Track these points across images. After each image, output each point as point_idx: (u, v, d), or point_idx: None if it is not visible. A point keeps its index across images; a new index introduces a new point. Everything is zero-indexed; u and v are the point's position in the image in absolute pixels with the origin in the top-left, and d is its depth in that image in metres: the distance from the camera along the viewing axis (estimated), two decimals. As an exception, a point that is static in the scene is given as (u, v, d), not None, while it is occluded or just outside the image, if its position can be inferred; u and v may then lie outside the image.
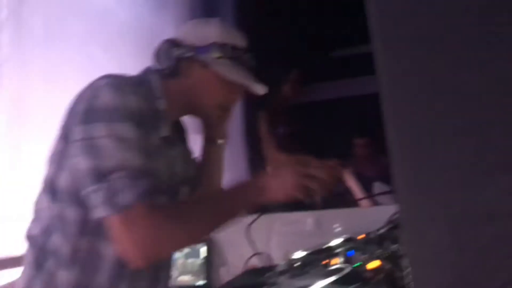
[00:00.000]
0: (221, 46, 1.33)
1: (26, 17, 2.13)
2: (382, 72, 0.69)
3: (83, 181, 1.12)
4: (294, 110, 3.71)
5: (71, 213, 1.19)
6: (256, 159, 3.74)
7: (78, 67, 2.34)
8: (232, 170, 3.24)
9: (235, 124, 3.01)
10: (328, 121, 4.37)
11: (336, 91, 4.73)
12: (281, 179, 1.21)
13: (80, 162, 1.13)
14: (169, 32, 3.03)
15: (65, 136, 1.21)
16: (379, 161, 3.78)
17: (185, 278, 2.36)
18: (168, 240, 1.13)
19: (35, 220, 1.27)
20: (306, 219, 2.30)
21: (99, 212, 1.10)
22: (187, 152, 1.48)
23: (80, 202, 1.16)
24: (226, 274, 2.20)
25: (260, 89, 1.39)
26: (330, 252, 1.80)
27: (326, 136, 4.04)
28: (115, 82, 1.21)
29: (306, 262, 1.64)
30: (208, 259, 2.38)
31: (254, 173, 3.76)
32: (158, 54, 1.34)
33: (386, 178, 3.45)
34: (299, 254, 1.88)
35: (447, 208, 0.62)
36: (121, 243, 1.10)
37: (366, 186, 3.15)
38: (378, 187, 2.61)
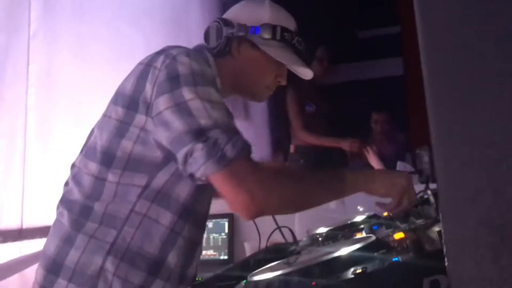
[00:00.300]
0: (272, 28, 1.33)
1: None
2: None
3: (178, 143, 1.10)
4: (321, 90, 3.69)
5: (132, 180, 1.18)
6: (280, 138, 3.75)
7: (105, 41, 2.38)
8: (256, 148, 3.26)
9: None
10: (352, 102, 4.35)
11: (360, 72, 4.69)
12: (393, 177, 1.21)
13: (174, 126, 1.11)
14: (194, 12, 3.07)
15: (130, 105, 1.19)
16: (397, 139, 3.76)
17: (208, 253, 2.39)
18: (279, 193, 1.10)
19: (75, 185, 1.25)
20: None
21: (204, 169, 1.07)
22: None
23: (145, 169, 1.17)
24: (249, 249, 2.21)
25: (307, 73, 1.41)
26: (354, 228, 1.80)
27: (350, 116, 4.03)
28: (187, 51, 1.21)
29: (329, 236, 1.64)
30: (231, 234, 2.40)
31: (278, 151, 3.76)
32: (209, 32, 1.35)
33: (403, 156, 3.44)
34: (322, 230, 1.89)
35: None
36: (234, 197, 1.08)
37: (385, 163, 3.15)
38: (401, 165, 2.58)
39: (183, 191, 1.22)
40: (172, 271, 1.21)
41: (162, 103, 1.13)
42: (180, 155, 1.10)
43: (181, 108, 1.11)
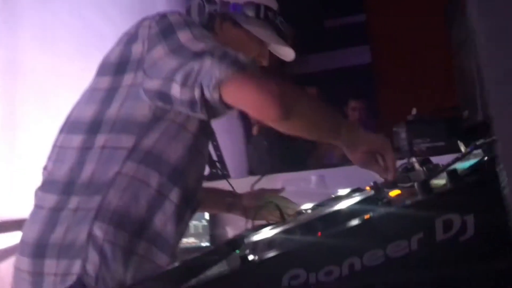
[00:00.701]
0: (256, 6, 1.33)
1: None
2: None
3: (176, 68, 1.08)
4: (289, 77, 3.67)
5: (119, 142, 1.14)
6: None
7: (71, 29, 2.30)
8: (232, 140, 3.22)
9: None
10: (322, 92, 4.35)
11: (329, 62, 4.71)
12: (375, 136, 1.22)
13: (171, 63, 1.09)
14: (161, 2, 3.00)
15: (116, 71, 1.17)
16: (371, 125, 3.78)
17: (189, 241, 2.33)
18: (293, 97, 1.09)
19: (57, 164, 1.20)
20: (310, 177, 2.27)
21: (219, 74, 1.03)
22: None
23: (133, 129, 1.13)
24: (232, 233, 2.17)
25: (289, 54, 1.41)
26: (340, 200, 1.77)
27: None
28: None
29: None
30: (212, 221, 2.35)
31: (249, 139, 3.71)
32: (190, 9, 1.34)
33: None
34: (308, 205, 1.86)
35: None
36: (257, 98, 1.05)
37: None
38: None
39: (174, 151, 1.18)
40: (158, 234, 1.17)
41: (156, 52, 1.11)
42: (178, 78, 1.06)
43: (177, 50, 1.09)
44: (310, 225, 0.88)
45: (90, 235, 1.10)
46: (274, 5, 1.39)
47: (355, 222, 0.79)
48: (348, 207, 0.91)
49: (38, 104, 2.09)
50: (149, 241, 1.16)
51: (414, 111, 2.41)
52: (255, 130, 3.51)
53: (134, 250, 1.14)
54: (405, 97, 3.76)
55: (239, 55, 1.06)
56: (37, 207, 1.20)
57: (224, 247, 1.40)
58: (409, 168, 1.70)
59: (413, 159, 1.67)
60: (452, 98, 2.98)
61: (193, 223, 2.36)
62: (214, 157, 2.58)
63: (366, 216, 0.79)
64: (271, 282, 0.79)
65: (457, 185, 0.75)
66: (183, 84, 1.06)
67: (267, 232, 0.97)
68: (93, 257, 1.09)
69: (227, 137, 3.09)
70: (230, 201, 1.65)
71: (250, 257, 0.83)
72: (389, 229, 0.77)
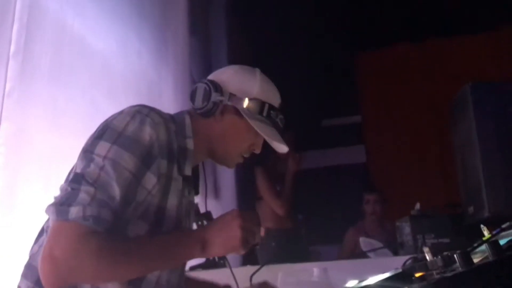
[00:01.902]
0: (261, 104, 1.36)
1: (33, 55, 2.12)
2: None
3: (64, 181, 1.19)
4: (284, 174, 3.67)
5: None
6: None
7: (81, 110, 2.32)
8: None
9: (228, 177, 2.96)
10: (318, 187, 4.37)
11: (327, 159, 4.77)
12: (225, 233, 1.18)
13: (76, 166, 1.19)
14: (167, 85, 3.09)
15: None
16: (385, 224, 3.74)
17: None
18: (88, 267, 1.08)
19: (39, 248, 1.22)
20: (312, 268, 2.19)
21: (49, 210, 1.10)
22: (193, 204, 1.44)
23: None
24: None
25: (283, 149, 1.44)
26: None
27: (313, 200, 4.04)
28: (144, 111, 1.23)
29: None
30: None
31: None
32: (196, 92, 1.37)
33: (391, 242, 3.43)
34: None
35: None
36: (44, 252, 1.07)
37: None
38: (364, 241, 2.58)
39: None
40: None
41: (85, 143, 1.23)
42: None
43: (87, 156, 1.16)
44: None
45: None
46: (277, 101, 1.42)
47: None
48: (380, 282, 0.87)
49: (41, 182, 2.05)
50: None
51: (417, 206, 2.40)
52: (262, 231, 3.46)
53: None
54: (400, 194, 3.78)
55: (77, 208, 1.08)
56: None
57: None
58: (420, 259, 1.66)
59: (426, 249, 1.64)
60: (449, 195, 3.00)
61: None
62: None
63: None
64: None
65: (502, 256, 0.72)
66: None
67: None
68: None
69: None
70: None
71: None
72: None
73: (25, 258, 1.29)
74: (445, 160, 2.92)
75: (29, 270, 1.19)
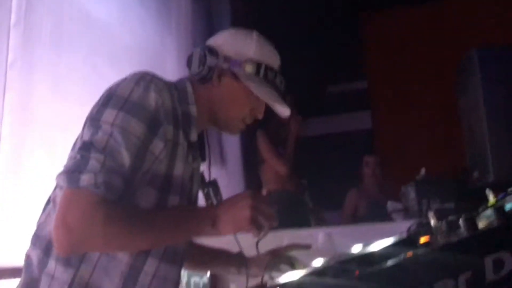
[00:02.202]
0: (257, 65, 1.33)
1: (34, 24, 2.10)
2: None
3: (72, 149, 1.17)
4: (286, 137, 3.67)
5: None
6: (253, 180, 3.66)
7: (83, 76, 2.31)
8: (230, 190, 3.17)
9: (233, 144, 2.96)
10: (324, 155, 4.37)
11: (333, 125, 4.76)
12: (235, 212, 1.16)
13: (82, 134, 1.17)
14: (171, 52, 3.06)
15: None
16: (384, 182, 3.77)
17: (189, 299, 2.24)
18: (100, 236, 1.08)
19: (46, 218, 1.22)
20: (316, 234, 2.21)
21: (60, 178, 1.10)
22: (197, 171, 1.42)
23: None
24: (236, 290, 2.08)
25: (285, 111, 1.40)
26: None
27: (321, 167, 4.05)
28: (148, 77, 1.21)
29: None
30: (213, 278, 2.26)
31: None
32: (192, 58, 1.34)
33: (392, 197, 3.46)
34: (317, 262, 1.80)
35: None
36: (56, 224, 1.07)
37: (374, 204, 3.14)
38: (391, 205, 2.57)
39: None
40: None
41: (89, 113, 1.20)
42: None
43: (94, 123, 1.15)
44: (345, 266, 0.84)
45: None
46: (276, 62, 1.39)
47: (397, 260, 0.75)
48: (384, 249, 0.87)
49: (46, 149, 2.06)
50: None
51: (423, 171, 2.40)
52: (264, 192, 3.48)
53: None
54: (405, 160, 3.78)
55: (88, 175, 1.08)
56: (28, 257, 1.21)
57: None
58: (425, 223, 1.67)
59: (431, 214, 1.64)
60: (455, 160, 2.99)
61: (193, 279, 2.27)
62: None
63: (409, 254, 0.75)
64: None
65: (508, 222, 0.71)
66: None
67: (293, 275, 0.92)
68: None
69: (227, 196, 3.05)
70: (235, 270, 1.59)
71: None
72: (434, 268, 0.72)
73: (31, 226, 1.30)
74: (452, 125, 2.90)
75: (37, 239, 1.19)
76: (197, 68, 1.32)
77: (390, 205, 2.54)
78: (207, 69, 1.31)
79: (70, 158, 1.14)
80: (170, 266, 1.23)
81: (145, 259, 1.18)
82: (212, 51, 1.32)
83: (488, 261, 0.70)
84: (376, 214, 2.65)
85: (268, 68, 1.34)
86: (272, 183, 3.42)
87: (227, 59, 1.32)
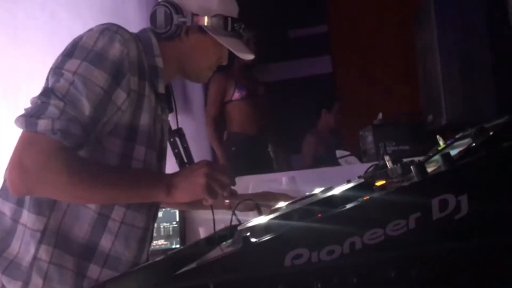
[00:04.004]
0: (224, 19, 1.37)
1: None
2: None
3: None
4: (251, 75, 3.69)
5: None
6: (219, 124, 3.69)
7: (43, 26, 2.27)
8: (199, 137, 3.21)
9: (197, 91, 2.98)
10: (286, 100, 4.43)
11: (294, 70, 4.80)
12: (191, 180, 1.21)
13: (46, 82, 1.20)
14: (132, 1, 2.99)
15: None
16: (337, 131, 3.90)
17: (159, 243, 2.32)
18: (53, 183, 1.11)
19: None
20: (281, 178, 2.31)
21: (17, 120, 1.12)
22: (167, 122, 1.46)
23: None
24: (205, 234, 2.17)
25: (249, 56, 1.47)
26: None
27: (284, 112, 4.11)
28: (113, 28, 1.22)
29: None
30: (182, 223, 2.35)
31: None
32: (156, 16, 1.36)
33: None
34: (281, 204, 1.88)
35: None
36: (10, 164, 1.11)
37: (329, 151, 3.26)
38: (338, 153, 2.71)
39: None
40: (107, 255, 1.21)
41: (54, 63, 1.21)
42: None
43: (56, 72, 1.17)
44: (307, 209, 0.92)
45: (35, 259, 1.16)
46: (236, 11, 1.44)
47: (355, 203, 0.83)
48: (343, 193, 0.95)
49: (7, 101, 2.05)
50: (99, 264, 1.20)
51: (380, 116, 2.50)
52: (225, 135, 3.54)
53: (85, 274, 1.19)
54: (365, 105, 3.89)
55: (46, 121, 1.10)
56: (0, 213, 1.24)
57: (205, 242, 1.42)
58: (381, 166, 1.77)
59: (386, 157, 1.74)
60: (413, 104, 3.11)
61: (163, 225, 2.35)
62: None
63: (366, 198, 0.83)
64: (274, 261, 0.81)
65: (452, 167, 0.80)
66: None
67: (261, 219, 0.99)
68: (36, 281, 1.15)
69: (195, 144, 3.08)
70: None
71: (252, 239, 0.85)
72: (388, 210, 0.81)
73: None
74: (410, 71, 2.98)
75: (8, 192, 1.21)
76: (164, 26, 1.35)
77: (338, 153, 2.67)
78: (175, 28, 1.34)
79: (31, 102, 1.16)
80: (137, 213, 1.27)
81: (112, 206, 1.23)
82: (177, 9, 1.34)
83: (435, 202, 0.79)
84: (333, 158, 2.78)
85: (234, 21, 1.39)
86: (234, 126, 3.48)
87: (194, 17, 1.35)
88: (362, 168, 2.08)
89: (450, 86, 2.13)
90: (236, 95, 3.45)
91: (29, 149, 1.09)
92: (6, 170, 1.14)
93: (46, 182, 1.10)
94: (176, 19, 1.34)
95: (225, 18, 1.37)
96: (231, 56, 1.49)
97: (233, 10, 1.43)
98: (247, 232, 0.92)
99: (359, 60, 4.21)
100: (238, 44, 1.43)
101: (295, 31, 4.85)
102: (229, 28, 1.38)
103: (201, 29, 1.37)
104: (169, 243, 2.33)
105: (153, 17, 1.36)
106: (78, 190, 1.14)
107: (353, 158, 2.65)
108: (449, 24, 2.16)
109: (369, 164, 2.08)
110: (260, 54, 3.48)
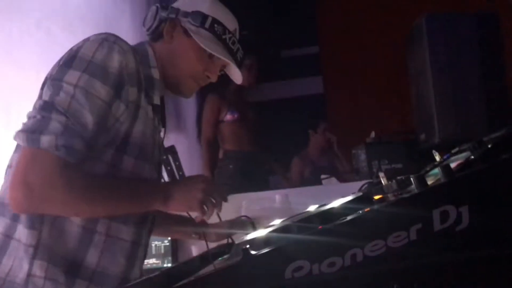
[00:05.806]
0: (203, 16, 1.32)
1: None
2: None
3: (32, 109, 1.16)
4: (246, 100, 3.70)
5: None
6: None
7: (36, 40, 2.26)
8: (191, 154, 3.21)
9: (190, 108, 2.98)
10: (277, 119, 4.45)
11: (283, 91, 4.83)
12: (188, 192, 1.22)
13: (43, 95, 1.16)
14: (126, 19, 3.01)
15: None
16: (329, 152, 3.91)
17: (151, 261, 2.29)
18: (58, 202, 1.11)
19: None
20: (274, 196, 2.30)
21: (17, 136, 1.11)
22: (161, 136, 1.44)
23: None
24: (198, 252, 2.15)
25: (237, 76, 1.41)
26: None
27: (274, 131, 4.13)
28: (111, 39, 1.21)
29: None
30: (174, 241, 2.32)
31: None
32: (147, 17, 1.36)
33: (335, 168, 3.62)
34: (277, 221, 1.88)
35: None
36: (13, 183, 1.09)
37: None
38: (326, 180, 2.75)
39: None
40: (94, 271, 1.19)
41: (50, 73, 1.19)
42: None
43: (55, 84, 1.15)
44: (307, 222, 0.91)
45: (29, 276, 1.13)
46: (230, 25, 1.38)
47: (356, 215, 0.83)
48: (342, 206, 0.95)
49: (1, 117, 2.03)
50: (85, 279, 1.18)
51: (372, 134, 2.51)
52: (220, 154, 3.54)
53: None
54: (357, 124, 3.92)
55: (49, 137, 1.09)
56: None
57: (199, 259, 1.40)
58: (376, 183, 1.77)
59: (381, 174, 1.75)
60: (404, 124, 3.13)
61: (155, 243, 2.32)
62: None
63: (366, 209, 0.83)
64: (274, 274, 0.80)
65: (453, 178, 0.80)
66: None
67: (261, 232, 0.98)
68: None
69: (187, 161, 3.08)
70: (196, 235, 1.64)
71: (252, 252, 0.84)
72: (389, 221, 0.81)
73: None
74: (401, 91, 3.02)
75: (3, 208, 1.19)
76: (150, 23, 1.34)
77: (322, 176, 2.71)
78: (157, 22, 1.33)
79: (30, 117, 1.14)
80: (123, 225, 1.24)
81: (97, 219, 1.20)
82: (164, 6, 1.34)
83: (436, 214, 0.79)
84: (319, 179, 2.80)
85: (215, 22, 1.33)
86: (229, 144, 3.49)
87: (174, 10, 1.33)
88: (356, 186, 2.08)
89: (442, 106, 2.17)
90: (228, 117, 3.46)
91: (33, 167, 1.08)
92: (7, 188, 1.13)
93: (51, 200, 1.09)
94: (160, 14, 1.33)
95: (204, 15, 1.32)
96: (227, 78, 1.47)
97: (225, 20, 1.37)
98: (247, 245, 0.91)
99: (350, 81, 4.25)
100: (221, 50, 1.35)
101: (287, 51, 4.90)
102: (207, 26, 1.32)
103: (186, 32, 1.34)
104: (160, 261, 2.29)
105: (145, 20, 1.37)
106: (82, 206, 1.14)
107: (333, 179, 2.69)
108: (441, 45, 2.20)
109: (363, 182, 2.09)
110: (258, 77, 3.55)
